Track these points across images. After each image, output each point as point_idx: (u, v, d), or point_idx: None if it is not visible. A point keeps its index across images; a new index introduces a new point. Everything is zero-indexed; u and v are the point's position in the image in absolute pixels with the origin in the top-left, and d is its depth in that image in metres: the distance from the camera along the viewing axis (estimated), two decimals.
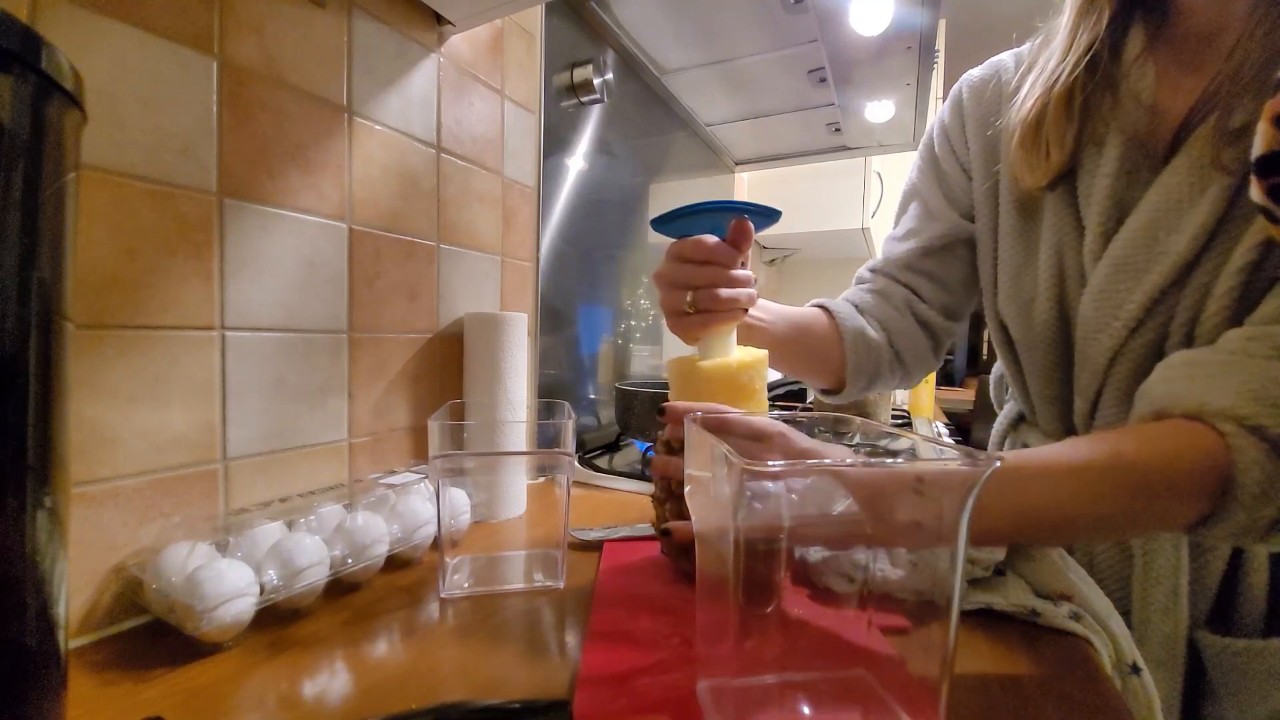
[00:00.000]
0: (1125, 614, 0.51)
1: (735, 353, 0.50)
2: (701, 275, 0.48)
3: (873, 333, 0.64)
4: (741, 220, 0.48)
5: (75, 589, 0.39)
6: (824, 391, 0.70)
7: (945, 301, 0.66)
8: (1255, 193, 0.34)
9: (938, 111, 0.67)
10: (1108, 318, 0.50)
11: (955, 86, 0.64)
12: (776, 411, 0.50)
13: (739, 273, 0.49)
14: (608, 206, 1.11)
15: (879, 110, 1.29)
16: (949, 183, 0.64)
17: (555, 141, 0.92)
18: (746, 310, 0.50)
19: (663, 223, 0.50)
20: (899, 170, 2.26)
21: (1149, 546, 0.51)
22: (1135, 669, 0.41)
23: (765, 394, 0.50)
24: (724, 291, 0.48)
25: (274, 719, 0.32)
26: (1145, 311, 0.48)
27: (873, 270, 0.69)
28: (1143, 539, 0.51)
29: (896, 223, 0.70)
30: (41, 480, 0.23)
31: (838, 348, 0.64)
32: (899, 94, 1.23)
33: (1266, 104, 0.31)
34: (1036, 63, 0.55)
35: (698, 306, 0.48)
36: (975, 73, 0.63)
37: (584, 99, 0.97)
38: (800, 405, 1.58)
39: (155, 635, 0.39)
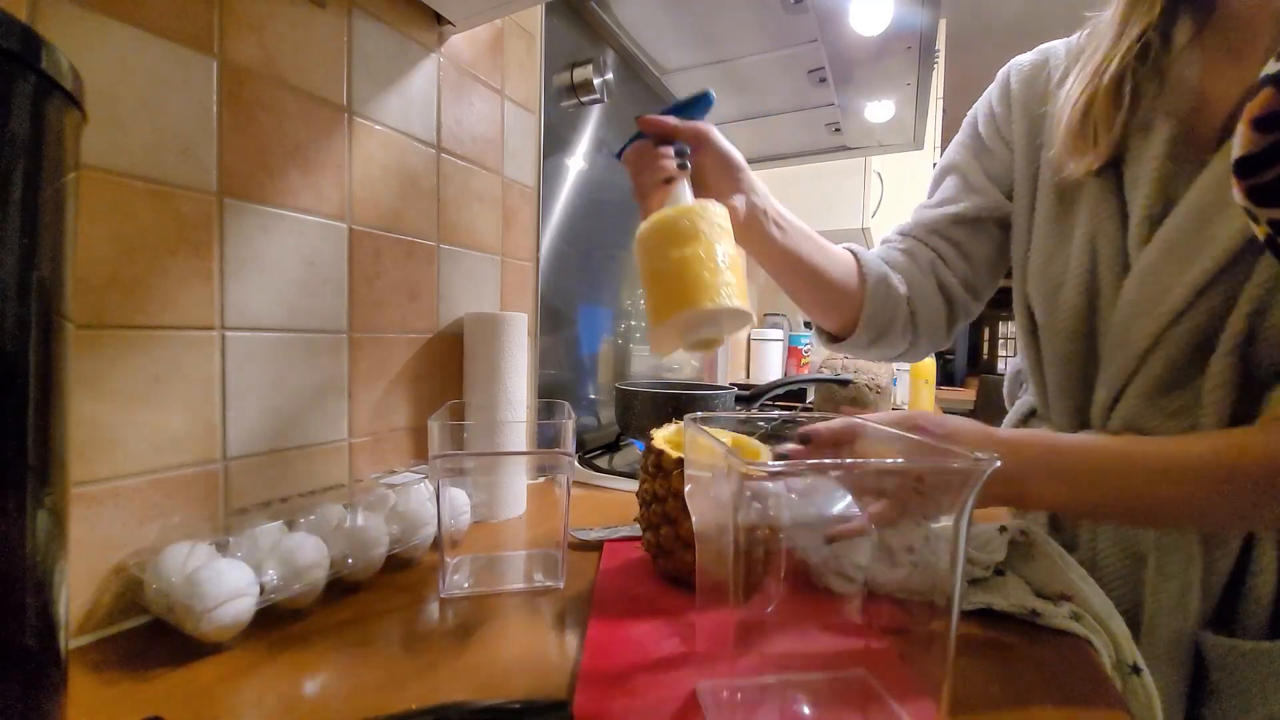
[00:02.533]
0: (1134, 610, 0.51)
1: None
2: (629, 163, 0.53)
3: (896, 284, 0.64)
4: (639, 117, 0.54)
5: (75, 589, 0.39)
6: (829, 337, 0.68)
7: (967, 274, 0.66)
8: (1236, 194, 0.34)
9: (984, 93, 0.67)
10: (1153, 301, 0.50)
11: (1003, 71, 0.65)
12: (776, 411, 0.50)
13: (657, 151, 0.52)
14: (608, 206, 1.11)
15: (879, 110, 1.29)
16: (992, 160, 0.64)
17: (555, 141, 0.92)
18: (670, 179, 0.50)
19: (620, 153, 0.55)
20: (899, 170, 2.26)
21: (1163, 542, 0.51)
22: (1135, 669, 0.41)
23: (722, 242, 0.44)
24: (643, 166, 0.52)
25: (274, 719, 0.32)
26: (1192, 298, 0.48)
27: (900, 233, 0.69)
28: (1156, 534, 0.51)
29: (930, 196, 0.70)
30: (41, 480, 0.23)
31: (858, 291, 0.63)
32: (899, 94, 1.22)
33: (1245, 106, 0.31)
34: (1085, 51, 0.55)
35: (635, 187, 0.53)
36: (1025, 58, 0.64)
37: (584, 99, 0.97)
38: (800, 405, 1.58)
39: (155, 635, 0.39)
